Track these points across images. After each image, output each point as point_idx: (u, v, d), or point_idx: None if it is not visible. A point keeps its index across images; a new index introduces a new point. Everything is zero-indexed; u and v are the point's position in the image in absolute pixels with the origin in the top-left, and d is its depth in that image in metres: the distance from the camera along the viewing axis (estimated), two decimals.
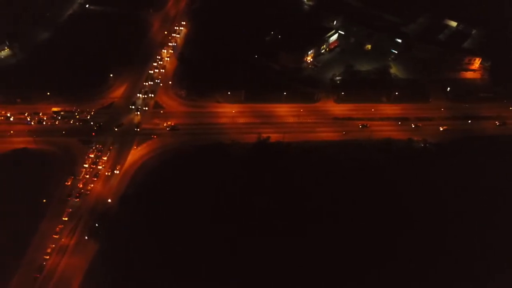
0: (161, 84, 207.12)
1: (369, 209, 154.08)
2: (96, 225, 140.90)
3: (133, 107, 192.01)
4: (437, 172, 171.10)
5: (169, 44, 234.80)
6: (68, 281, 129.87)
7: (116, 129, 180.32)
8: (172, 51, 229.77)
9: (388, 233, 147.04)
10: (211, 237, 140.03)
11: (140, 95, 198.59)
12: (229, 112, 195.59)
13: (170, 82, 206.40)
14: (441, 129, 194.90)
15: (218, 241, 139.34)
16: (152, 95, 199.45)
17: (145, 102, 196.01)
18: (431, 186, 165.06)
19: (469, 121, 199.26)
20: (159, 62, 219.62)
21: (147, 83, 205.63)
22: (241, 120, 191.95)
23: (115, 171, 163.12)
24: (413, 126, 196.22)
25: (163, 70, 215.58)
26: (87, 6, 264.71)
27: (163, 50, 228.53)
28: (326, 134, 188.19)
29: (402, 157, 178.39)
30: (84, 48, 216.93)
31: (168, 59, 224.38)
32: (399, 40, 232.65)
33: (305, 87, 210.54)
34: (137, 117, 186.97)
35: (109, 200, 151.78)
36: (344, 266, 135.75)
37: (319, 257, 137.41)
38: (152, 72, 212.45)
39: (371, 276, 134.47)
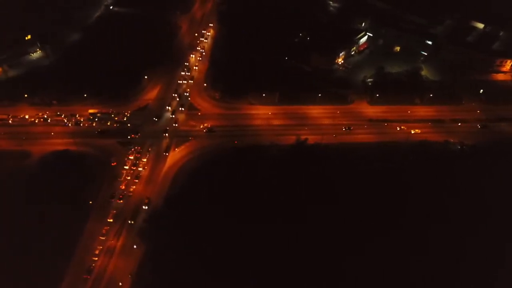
0: (192, 84, 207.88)
1: (409, 211, 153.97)
2: (143, 226, 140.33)
3: (168, 108, 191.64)
4: (475, 173, 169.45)
5: (198, 46, 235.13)
6: (117, 282, 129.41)
7: (154, 131, 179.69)
8: (202, 52, 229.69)
9: (428, 235, 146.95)
10: (254, 239, 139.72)
11: (175, 97, 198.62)
12: (264, 114, 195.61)
13: (205, 84, 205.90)
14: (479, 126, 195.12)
15: (261, 243, 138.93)
16: (187, 95, 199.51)
17: (179, 104, 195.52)
18: (469, 188, 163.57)
19: (505, 124, 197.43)
20: (191, 64, 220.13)
21: (180, 85, 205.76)
22: (276, 122, 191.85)
23: (156, 173, 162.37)
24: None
25: (195, 72, 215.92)
26: (111, 7, 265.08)
27: (193, 53, 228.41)
28: (363, 136, 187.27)
29: (439, 159, 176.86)
30: (115, 50, 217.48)
31: (200, 59, 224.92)
32: (430, 42, 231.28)
33: (337, 89, 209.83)
34: (173, 119, 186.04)
35: (154, 202, 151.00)
36: (386, 275, 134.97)
37: (356, 264, 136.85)
38: (184, 74, 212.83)
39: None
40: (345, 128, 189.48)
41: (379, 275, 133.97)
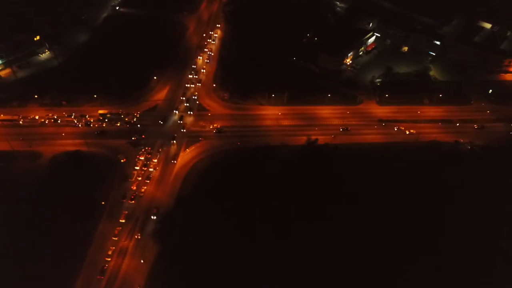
0: (200, 86, 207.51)
1: (421, 211, 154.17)
2: (156, 227, 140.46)
3: (176, 112, 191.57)
4: (485, 174, 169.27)
5: (206, 47, 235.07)
6: (131, 283, 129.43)
7: (163, 131, 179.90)
8: (210, 54, 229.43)
9: (439, 235, 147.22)
10: (266, 238, 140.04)
11: (184, 98, 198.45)
12: (273, 114, 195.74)
13: (214, 85, 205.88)
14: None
15: (273, 242, 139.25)
16: (195, 98, 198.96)
17: (189, 104, 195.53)
18: (481, 188, 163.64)
19: None
20: (198, 66, 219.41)
21: (188, 86, 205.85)
22: (286, 123, 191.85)
23: (166, 173, 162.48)
24: (457, 124, 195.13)
25: (203, 75, 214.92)
26: (117, 8, 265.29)
27: (200, 54, 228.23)
28: (372, 136, 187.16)
29: (450, 159, 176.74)
30: (123, 50, 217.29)
31: (207, 61, 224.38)
32: (438, 42, 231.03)
33: (345, 89, 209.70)
34: (181, 124, 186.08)
35: (165, 204, 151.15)
36: (397, 275, 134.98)
37: (366, 257, 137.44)
38: (191, 77, 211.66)
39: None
40: (342, 128, 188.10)
41: (390, 274, 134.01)
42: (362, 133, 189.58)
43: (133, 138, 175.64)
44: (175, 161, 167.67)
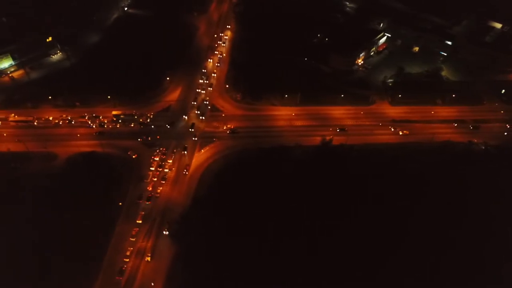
0: (211, 91, 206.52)
1: (434, 211, 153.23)
2: (174, 227, 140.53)
3: (190, 110, 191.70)
4: (498, 174, 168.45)
5: (216, 50, 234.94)
6: (150, 284, 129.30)
7: (177, 132, 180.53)
8: (220, 57, 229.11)
9: (455, 236, 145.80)
10: (283, 238, 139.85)
11: (195, 103, 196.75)
12: (286, 114, 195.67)
13: (226, 86, 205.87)
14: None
15: (290, 242, 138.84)
16: (207, 103, 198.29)
17: (202, 105, 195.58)
18: (494, 188, 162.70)
19: None
20: (208, 70, 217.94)
21: (199, 90, 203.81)
22: (299, 123, 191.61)
23: (182, 174, 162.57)
24: (471, 127, 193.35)
25: (214, 79, 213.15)
26: (125, 9, 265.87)
27: (212, 55, 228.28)
28: (386, 136, 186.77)
29: (463, 160, 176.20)
30: (134, 51, 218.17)
31: (218, 65, 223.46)
32: (449, 43, 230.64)
33: (357, 90, 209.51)
34: (196, 120, 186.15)
35: (181, 203, 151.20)
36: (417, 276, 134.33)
37: (385, 259, 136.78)
38: (202, 81, 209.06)
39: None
40: (339, 129, 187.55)
41: (403, 274, 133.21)
42: (375, 133, 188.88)
43: (139, 140, 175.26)
44: (187, 172, 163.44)
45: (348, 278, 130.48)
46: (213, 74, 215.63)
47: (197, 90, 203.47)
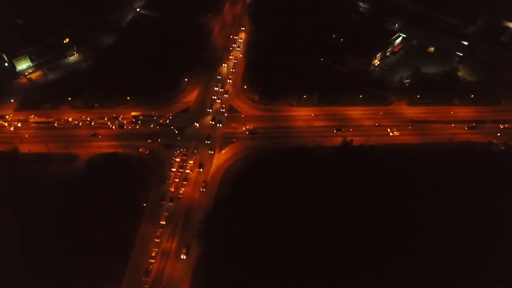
0: (229, 94, 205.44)
1: (451, 212, 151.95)
2: (200, 228, 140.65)
3: (210, 111, 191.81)
4: None
5: (231, 52, 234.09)
6: (176, 284, 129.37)
7: (198, 133, 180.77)
8: (235, 61, 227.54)
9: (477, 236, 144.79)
10: (306, 238, 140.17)
11: (210, 110, 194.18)
12: (303, 115, 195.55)
13: (245, 86, 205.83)
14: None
15: (313, 242, 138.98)
16: (224, 106, 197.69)
17: (220, 106, 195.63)
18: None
19: None
20: (223, 76, 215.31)
21: (215, 97, 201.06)
22: (317, 124, 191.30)
23: (203, 175, 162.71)
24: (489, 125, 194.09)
25: (229, 86, 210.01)
26: (137, 10, 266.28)
27: (226, 60, 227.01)
28: (406, 137, 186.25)
29: (483, 160, 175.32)
30: (150, 52, 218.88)
31: (233, 70, 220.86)
32: (465, 43, 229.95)
33: (375, 90, 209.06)
34: (215, 121, 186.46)
35: (204, 203, 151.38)
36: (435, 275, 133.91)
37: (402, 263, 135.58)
38: (217, 89, 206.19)
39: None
40: (336, 130, 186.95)
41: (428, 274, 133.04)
42: (395, 133, 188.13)
43: (149, 141, 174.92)
44: (204, 190, 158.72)
45: (362, 278, 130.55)
46: (228, 80, 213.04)
47: (213, 97, 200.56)
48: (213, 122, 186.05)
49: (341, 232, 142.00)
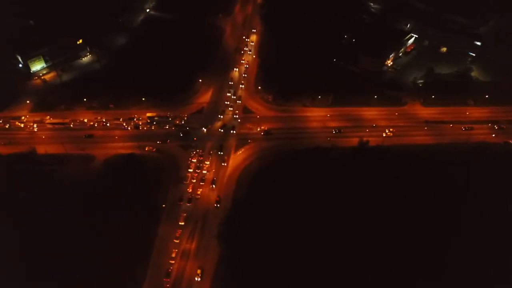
0: (244, 91, 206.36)
1: (470, 212, 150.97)
2: (220, 228, 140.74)
3: (224, 111, 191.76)
4: None
5: (243, 56, 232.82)
6: (197, 285, 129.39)
7: (213, 134, 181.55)
8: (247, 66, 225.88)
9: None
10: (323, 238, 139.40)
11: (221, 116, 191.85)
12: (318, 116, 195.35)
13: (259, 87, 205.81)
14: None
15: (331, 243, 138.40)
16: (240, 101, 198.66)
17: (234, 107, 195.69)
18: None
19: None
20: (235, 81, 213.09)
21: (227, 103, 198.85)
22: (332, 124, 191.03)
23: (220, 175, 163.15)
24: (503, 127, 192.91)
25: (241, 91, 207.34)
26: (147, 10, 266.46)
27: (238, 65, 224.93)
28: (421, 138, 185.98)
29: (498, 160, 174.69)
30: (163, 53, 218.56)
31: (245, 75, 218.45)
32: (478, 43, 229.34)
33: (388, 91, 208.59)
34: (230, 122, 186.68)
35: (222, 204, 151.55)
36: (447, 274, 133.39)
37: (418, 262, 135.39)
38: (229, 95, 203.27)
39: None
40: (335, 130, 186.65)
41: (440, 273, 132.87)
42: (409, 134, 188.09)
43: (158, 142, 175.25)
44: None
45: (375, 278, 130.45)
46: (240, 86, 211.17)
47: (226, 102, 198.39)
48: (221, 130, 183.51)
49: (355, 233, 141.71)
